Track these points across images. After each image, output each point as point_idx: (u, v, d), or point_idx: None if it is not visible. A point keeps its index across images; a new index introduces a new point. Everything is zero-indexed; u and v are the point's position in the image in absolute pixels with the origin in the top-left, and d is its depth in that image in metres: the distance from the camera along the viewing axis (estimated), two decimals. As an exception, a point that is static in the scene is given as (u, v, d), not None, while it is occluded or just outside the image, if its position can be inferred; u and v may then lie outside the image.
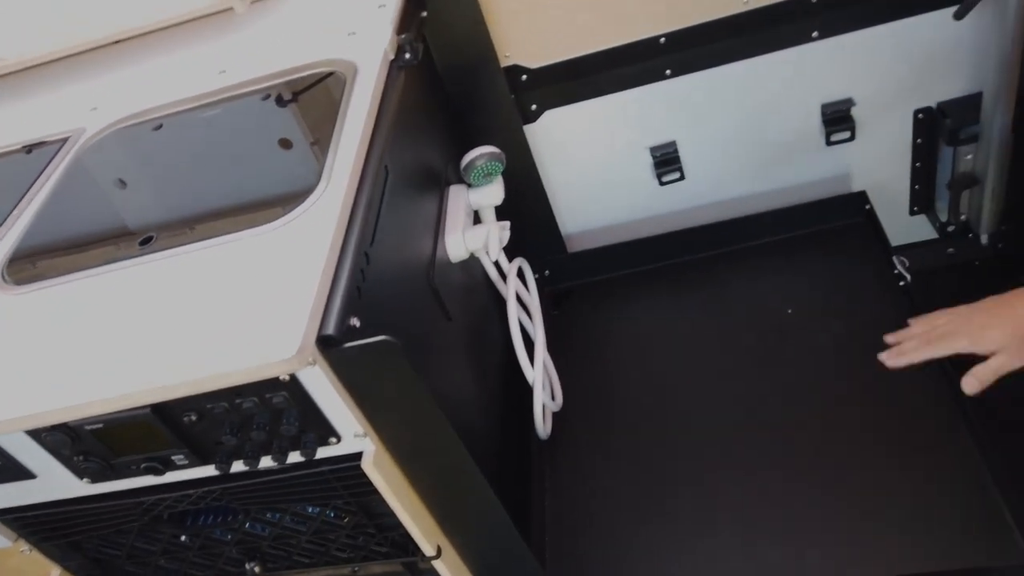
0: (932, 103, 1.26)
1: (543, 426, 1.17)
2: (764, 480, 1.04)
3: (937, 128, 1.27)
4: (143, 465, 0.76)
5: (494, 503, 0.85)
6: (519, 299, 1.22)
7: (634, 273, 1.39)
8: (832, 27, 1.18)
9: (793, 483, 1.03)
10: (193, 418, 0.72)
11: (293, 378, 0.68)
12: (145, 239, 0.83)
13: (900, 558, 0.93)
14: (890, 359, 0.94)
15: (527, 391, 1.13)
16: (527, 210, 1.40)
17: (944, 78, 1.23)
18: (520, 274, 1.24)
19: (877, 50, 1.20)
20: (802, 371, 1.14)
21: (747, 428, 1.10)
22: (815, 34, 1.19)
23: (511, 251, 1.24)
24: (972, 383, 0.86)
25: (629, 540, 1.05)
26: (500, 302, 1.19)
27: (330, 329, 0.67)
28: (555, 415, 1.23)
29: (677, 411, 1.17)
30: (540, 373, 1.13)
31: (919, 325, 0.94)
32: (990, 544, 0.91)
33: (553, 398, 1.23)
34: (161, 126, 1.01)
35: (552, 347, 1.26)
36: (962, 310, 0.91)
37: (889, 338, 0.94)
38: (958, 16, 1.06)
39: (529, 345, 1.14)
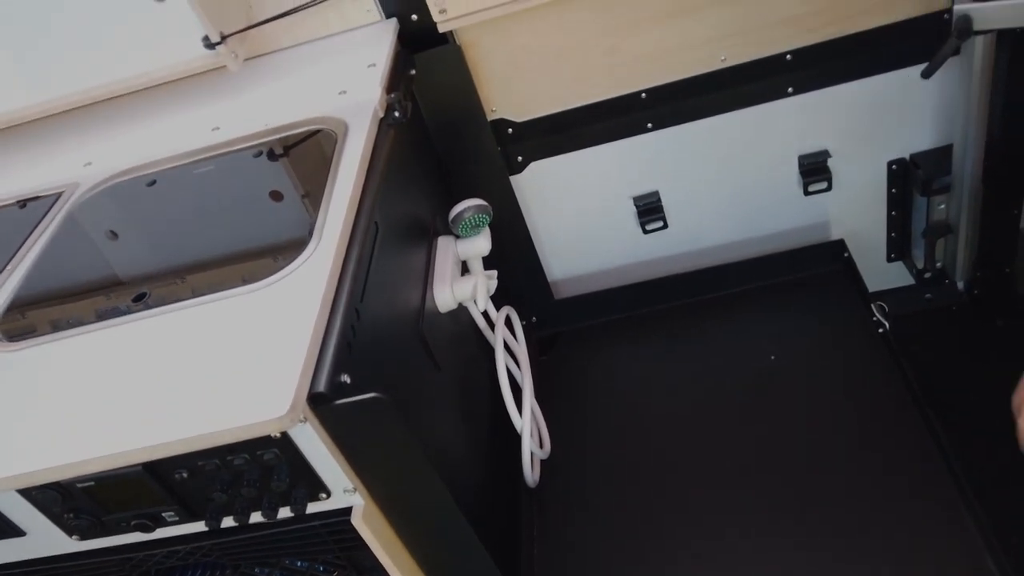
0: (905, 155, 1.31)
1: (531, 474, 1.18)
2: (752, 526, 1.05)
3: (910, 179, 1.32)
4: (133, 522, 0.77)
5: (482, 555, 0.86)
6: (507, 347, 1.24)
7: (620, 319, 1.42)
8: (806, 84, 1.23)
9: (780, 530, 1.04)
10: (184, 475, 0.72)
11: (284, 435, 0.69)
12: (138, 295, 0.84)
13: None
14: None
15: (515, 439, 1.14)
16: (514, 258, 1.42)
17: (915, 131, 1.28)
18: (508, 322, 1.26)
19: (850, 105, 1.25)
20: (786, 417, 1.16)
21: (733, 474, 1.12)
22: (790, 90, 1.24)
23: (499, 298, 1.26)
24: None
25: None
26: (488, 350, 1.20)
27: (321, 387, 0.68)
28: (543, 462, 1.23)
29: (663, 457, 1.18)
30: (528, 421, 1.14)
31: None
32: (972, 589, 0.93)
33: (541, 445, 1.24)
34: (155, 182, 1.03)
35: (539, 393, 1.28)
36: None
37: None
38: (925, 75, 1.11)
39: (517, 392, 1.15)
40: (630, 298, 1.41)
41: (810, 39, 1.18)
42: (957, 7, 1.06)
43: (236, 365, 0.71)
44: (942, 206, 1.30)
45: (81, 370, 0.77)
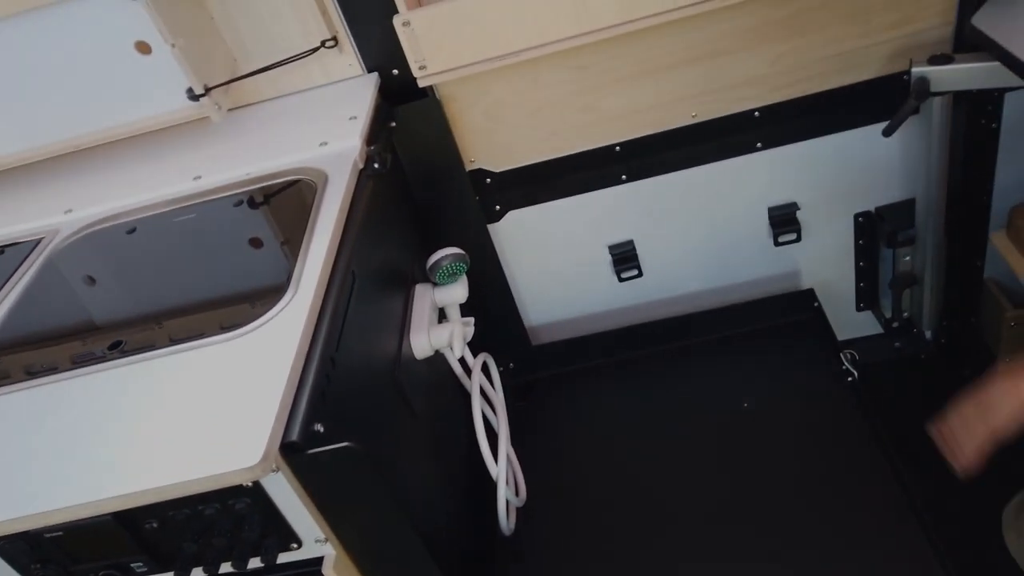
0: (871, 207, 1.35)
1: (507, 522, 1.18)
2: (727, 570, 1.05)
3: (877, 231, 1.36)
4: (101, 573, 0.76)
5: (455, 606, 0.85)
6: (483, 393, 1.24)
7: (596, 365, 1.43)
8: (774, 139, 1.27)
9: (755, 573, 1.04)
10: (155, 525, 0.72)
11: (256, 484, 0.70)
12: (114, 343, 0.85)
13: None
14: (963, 466, 0.83)
15: (491, 486, 1.14)
16: (492, 305, 1.44)
17: (881, 185, 1.32)
18: (485, 368, 1.27)
19: (817, 159, 1.29)
20: (758, 462, 1.17)
21: (708, 520, 1.12)
22: (759, 145, 1.28)
23: (476, 345, 1.27)
24: None
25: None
26: (465, 397, 1.21)
27: (294, 436, 0.69)
28: (519, 510, 1.23)
29: (639, 504, 1.18)
30: (504, 468, 1.14)
31: (945, 427, 0.85)
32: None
33: (517, 493, 1.24)
34: (135, 229, 1.04)
35: (516, 439, 1.28)
36: (981, 391, 0.82)
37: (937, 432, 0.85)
38: (886, 133, 1.16)
39: (493, 439, 1.16)
40: (606, 345, 1.43)
41: (776, 97, 1.23)
42: (915, 70, 1.12)
43: (209, 414, 0.72)
44: (907, 257, 1.34)
45: (53, 418, 0.77)
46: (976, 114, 1.20)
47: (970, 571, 0.99)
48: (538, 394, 1.43)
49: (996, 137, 1.23)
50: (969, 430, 0.81)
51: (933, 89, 1.10)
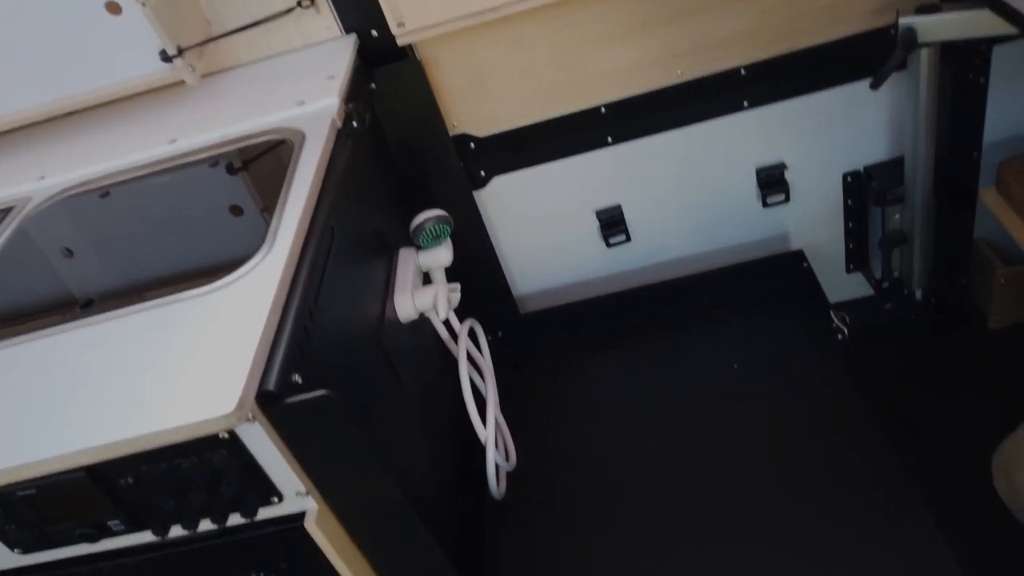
0: (860, 167, 1.34)
1: (496, 486, 1.16)
2: (718, 533, 1.04)
3: (865, 190, 1.34)
4: (78, 532, 0.74)
5: (442, 563, 0.84)
6: (472, 360, 1.23)
7: (585, 332, 1.42)
8: (761, 97, 1.25)
9: (746, 535, 1.03)
10: (130, 481, 0.70)
11: (233, 435, 0.68)
12: (86, 302, 0.83)
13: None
14: None
15: (481, 451, 1.13)
16: (479, 274, 1.42)
17: (869, 143, 1.31)
18: (472, 335, 1.26)
19: (804, 118, 1.28)
20: (749, 425, 1.16)
21: (699, 484, 1.11)
22: (746, 104, 1.26)
23: (464, 314, 1.26)
24: None
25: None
26: (452, 363, 1.20)
27: (270, 385, 0.67)
28: (509, 475, 1.22)
29: (630, 468, 1.17)
30: (492, 432, 1.13)
31: None
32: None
33: (507, 459, 1.23)
34: (108, 193, 1.02)
35: (506, 409, 1.27)
36: None
37: None
38: (873, 87, 1.14)
39: (482, 405, 1.15)
40: (595, 312, 1.42)
41: (763, 54, 1.21)
42: (902, 20, 1.10)
43: (184, 367, 0.70)
44: (896, 216, 1.33)
45: (23, 377, 0.75)
46: (964, 69, 1.19)
47: (960, 519, 0.99)
48: (528, 362, 1.42)
49: (984, 92, 1.22)
50: None
51: (921, 40, 1.09)
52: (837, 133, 1.29)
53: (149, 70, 1.10)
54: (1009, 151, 1.28)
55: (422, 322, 1.14)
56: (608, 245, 1.42)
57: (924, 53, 1.14)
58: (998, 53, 1.19)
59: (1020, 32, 0.93)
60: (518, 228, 1.41)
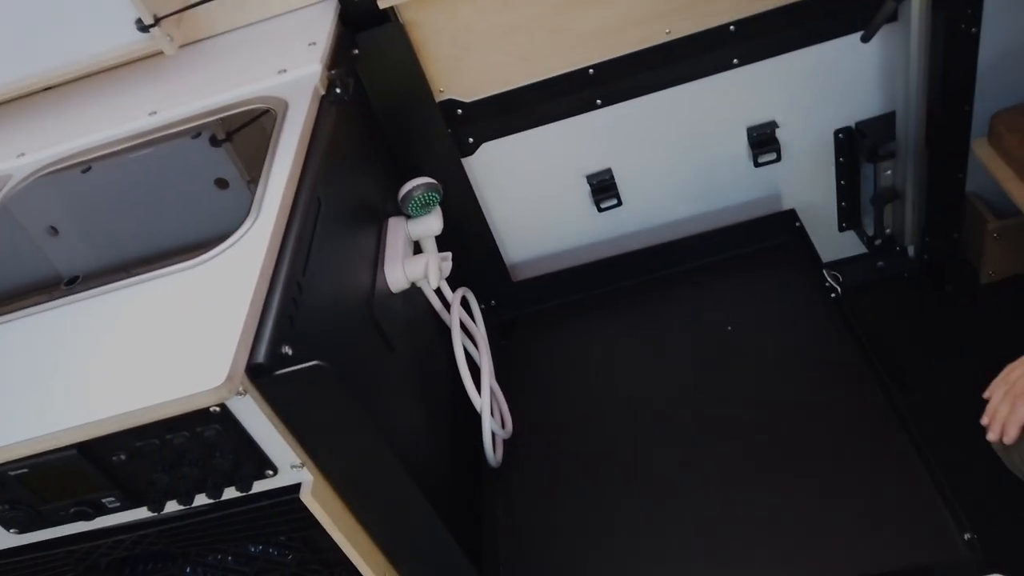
0: (851, 123, 1.32)
1: (493, 454, 1.17)
2: (715, 496, 1.05)
3: (857, 146, 1.33)
4: (72, 510, 0.74)
5: (441, 531, 0.84)
6: (465, 329, 1.22)
7: (579, 298, 1.41)
8: (751, 54, 1.23)
9: (742, 497, 1.04)
10: (123, 457, 0.70)
11: (224, 409, 0.67)
12: (71, 279, 0.81)
13: (849, 561, 0.94)
14: (995, 435, 0.82)
15: (477, 419, 1.13)
16: (470, 242, 1.41)
17: (860, 99, 1.29)
18: (466, 304, 1.25)
19: (794, 75, 1.26)
20: (744, 386, 1.16)
21: (695, 445, 1.12)
22: (735, 61, 1.24)
23: (456, 282, 1.25)
24: None
25: (584, 565, 1.05)
26: (446, 333, 1.19)
27: (260, 357, 0.66)
28: (506, 443, 1.22)
29: (627, 433, 1.17)
30: (487, 400, 1.13)
31: (997, 389, 0.84)
32: (931, 542, 0.93)
33: (504, 426, 1.23)
34: (89, 168, 1.00)
35: (502, 377, 1.27)
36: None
37: (984, 420, 0.83)
38: (864, 39, 1.12)
39: (477, 374, 1.14)
40: (588, 277, 1.41)
41: (751, 9, 1.19)
42: (892, -29, 1.08)
43: (172, 342, 0.69)
44: (888, 172, 1.32)
45: (10, 355, 0.74)
46: (955, 18, 1.17)
47: (960, 477, 0.99)
48: (522, 330, 1.42)
49: (976, 42, 1.20)
50: (1012, 404, 0.79)
51: (912, -10, 1.07)
52: (828, 89, 1.28)
53: (126, 41, 1.07)
54: (1003, 103, 1.26)
55: (414, 292, 1.14)
56: (600, 210, 1.40)
57: (915, 3, 1.12)
58: (990, 2, 1.17)
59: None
60: (509, 195, 1.40)
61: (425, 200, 1.11)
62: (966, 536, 0.91)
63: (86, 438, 0.67)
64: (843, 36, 1.21)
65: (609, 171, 1.37)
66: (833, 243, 1.47)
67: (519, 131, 1.32)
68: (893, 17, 1.17)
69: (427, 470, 0.98)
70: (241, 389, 0.65)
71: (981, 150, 1.26)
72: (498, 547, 1.09)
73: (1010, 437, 0.80)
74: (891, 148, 1.29)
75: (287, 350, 0.69)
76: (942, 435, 1.14)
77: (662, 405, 1.19)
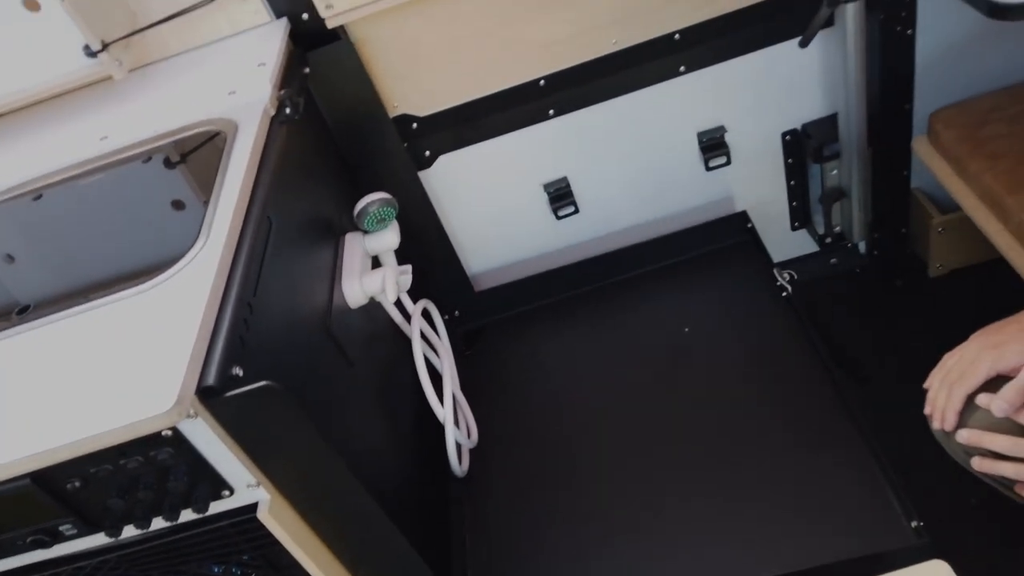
0: (797, 125, 1.36)
1: (458, 464, 1.18)
2: (677, 497, 1.07)
3: (803, 148, 1.37)
4: (29, 539, 0.74)
5: (401, 543, 0.85)
6: (429, 341, 1.24)
7: (540, 306, 1.43)
8: (696, 62, 1.26)
9: (703, 495, 1.06)
10: (77, 484, 0.70)
11: (176, 432, 0.68)
12: (21, 309, 0.82)
13: (801, 550, 0.97)
14: (937, 423, 0.84)
15: (442, 430, 1.14)
16: (432, 254, 1.43)
17: (804, 102, 1.33)
18: (429, 316, 1.26)
19: (740, 80, 1.29)
20: (702, 386, 1.19)
21: (659, 448, 1.14)
22: (682, 69, 1.27)
23: (419, 294, 1.26)
24: (1003, 406, 0.75)
25: (552, 573, 1.06)
26: (408, 345, 1.20)
27: (210, 379, 0.67)
28: (472, 452, 1.24)
29: (591, 437, 1.19)
30: (450, 410, 1.14)
31: (934, 378, 0.85)
32: (881, 530, 0.96)
33: (469, 436, 1.24)
34: (41, 196, 1.00)
35: (467, 386, 1.28)
36: (967, 343, 0.83)
37: (926, 409, 0.85)
38: (802, 44, 1.16)
39: (440, 384, 1.15)
40: (548, 285, 1.43)
41: (696, 18, 1.22)
42: (826, -22, 1.11)
43: (122, 368, 0.70)
44: (834, 171, 1.36)
45: (-38, 388, 0.74)
46: (890, 21, 1.21)
47: (911, 465, 1.03)
48: (485, 340, 1.43)
49: (912, 43, 1.24)
50: (949, 391, 0.81)
51: (845, -4, 1.10)
52: (773, 93, 1.31)
53: (74, 67, 1.07)
54: (942, 101, 1.31)
55: (376, 306, 1.15)
56: (558, 217, 1.43)
57: (850, 8, 1.16)
58: (924, 5, 1.21)
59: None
60: (468, 206, 1.41)
61: (381, 215, 1.12)
62: (913, 524, 0.95)
63: (39, 467, 0.67)
64: (784, 42, 1.25)
65: (565, 179, 1.40)
66: (787, 242, 1.51)
67: (475, 143, 1.34)
68: (830, 22, 1.20)
69: (389, 482, 0.99)
70: (192, 412, 0.66)
71: (921, 148, 1.30)
72: (465, 557, 1.10)
73: (949, 424, 0.82)
74: (836, 149, 1.33)
75: (238, 371, 0.70)
76: (895, 425, 1.17)
77: (625, 408, 1.21)
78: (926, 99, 1.30)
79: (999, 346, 0.78)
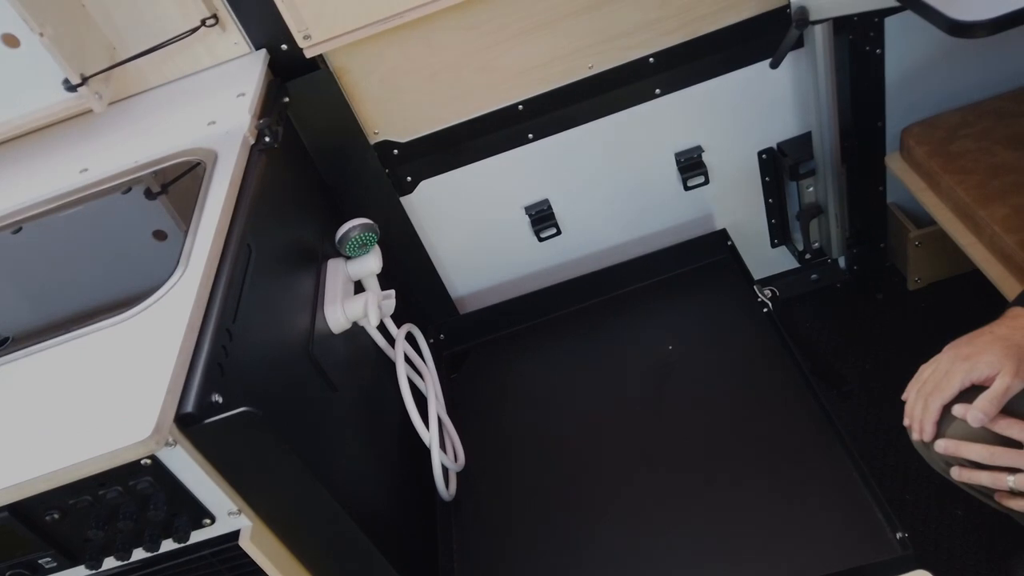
0: (772, 144, 1.38)
1: (445, 488, 1.17)
2: (664, 514, 1.07)
3: (780, 166, 1.39)
4: (8, 573, 0.73)
5: (384, 568, 0.85)
6: (413, 364, 1.24)
7: (525, 328, 1.43)
8: (671, 84, 1.29)
9: (689, 512, 1.06)
10: (56, 516, 0.70)
11: (155, 461, 0.68)
12: (1, 341, 0.81)
13: (788, 565, 0.97)
14: (916, 435, 0.85)
15: (428, 454, 1.14)
16: (415, 278, 1.43)
17: (778, 121, 1.35)
18: (413, 340, 1.27)
19: (715, 101, 1.31)
20: (687, 404, 1.19)
21: (646, 467, 1.14)
22: (658, 91, 1.29)
23: (403, 318, 1.26)
24: (978, 416, 0.76)
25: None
26: (393, 369, 1.20)
27: (189, 407, 0.67)
28: (459, 475, 1.23)
29: (577, 455, 1.19)
30: (435, 434, 1.14)
31: (911, 390, 0.86)
32: (866, 543, 0.97)
33: (456, 459, 1.24)
34: (20, 229, 1.00)
35: (453, 409, 1.28)
36: (941, 355, 0.84)
37: (905, 421, 0.86)
38: (773, 66, 1.18)
39: (425, 408, 1.15)
40: (532, 306, 1.44)
41: (669, 41, 1.25)
42: (794, 0, 1.14)
43: (101, 397, 0.70)
44: (811, 189, 1.38)
45: (-60, 422, 0.74)
46: (859, 41, 1.24)
47: (892, 480, 1.03)
48: (471, 362, 1.43)
49: (881, 62, 1.27)
50: (925, 403, 0.82)
51: (813, 17, 1.13)
52: (748, 113, 1.33)
53: (54, 101, 1.08)
54: (913, 117, 1.33)
55: (361, 331, 1.15)
56: (540, 239, 1.44)
57: (818, 30, 1.18)
58: (891, 24, 1.24)
59: (902, 5, 0.97)
60: (450, 231, 1.42)
61: (362, 240, 1.12)
62: (898, 535, 0.95)
63: (17, 499, 0.67)
64: (757, 63, 1.27)
65: (547, 202, 1.41)
66: (768, 259, 1.53)
67: (456, 168, 1.35)
68: (800, 43, 1.23)
69: (374, 508, 0.99)
70: (171, 439, 0.66)
71: (894, 163, 1.32)
72: (453, 580, 1.10)
73: (927, 434, 0.83)
74: (811, 166, 1.35)
75: (217, 398, 0.70)
76: (878, 437, 1.18)
77: (610, 428, 1.21)
78: (898, 116, 1.33)
79: (970, 357, 0.79)
